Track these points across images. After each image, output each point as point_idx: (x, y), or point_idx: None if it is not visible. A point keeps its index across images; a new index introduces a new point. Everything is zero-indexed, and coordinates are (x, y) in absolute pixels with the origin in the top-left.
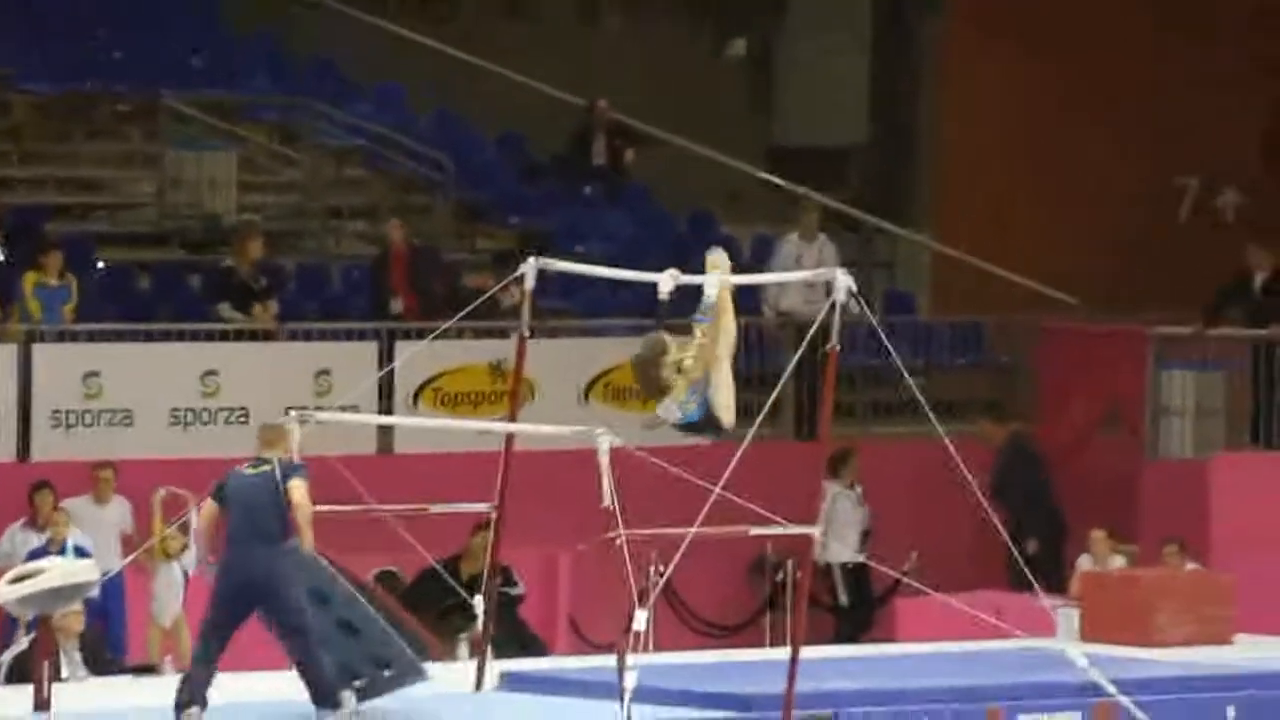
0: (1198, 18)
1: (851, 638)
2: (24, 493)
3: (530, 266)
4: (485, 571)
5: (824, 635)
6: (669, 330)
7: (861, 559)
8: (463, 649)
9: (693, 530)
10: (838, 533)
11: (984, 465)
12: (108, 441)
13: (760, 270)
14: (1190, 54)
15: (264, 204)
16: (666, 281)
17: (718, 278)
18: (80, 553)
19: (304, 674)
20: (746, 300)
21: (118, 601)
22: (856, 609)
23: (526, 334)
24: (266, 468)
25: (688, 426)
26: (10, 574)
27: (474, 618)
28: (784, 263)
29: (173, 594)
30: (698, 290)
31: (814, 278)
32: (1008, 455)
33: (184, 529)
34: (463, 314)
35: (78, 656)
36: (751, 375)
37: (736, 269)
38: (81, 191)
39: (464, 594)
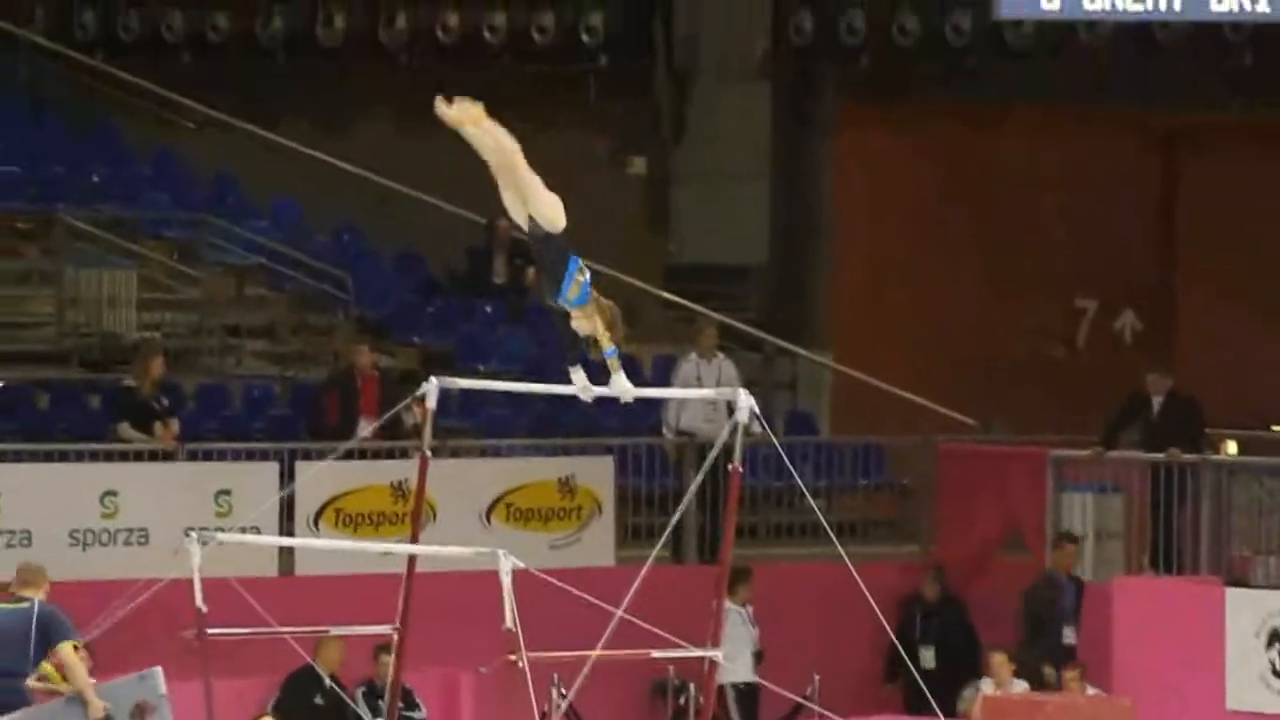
0: (1097, 140)
1: None
2: None
3: (432, 386)
4: (388, 693)
5: None
6: None
7: (754, 679)
8: None
9: (595, 653)
10: (730, 652)
11: (886, 587)
12: (6, 563)
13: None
14: (1088, 179)
15: (163, 322)
16: (586, 391)
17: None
18: None
19: None
20: (647, 419)
21: None
22: None
23: (428, 454)
24: (24, 605)
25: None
26: None
27: None
28: (684, 381)
29: None
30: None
31: (717, 396)
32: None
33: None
34: (364, 434)
35: None
36: (653, 496)
37: (638, 385)
38: None
39: (343, 694)
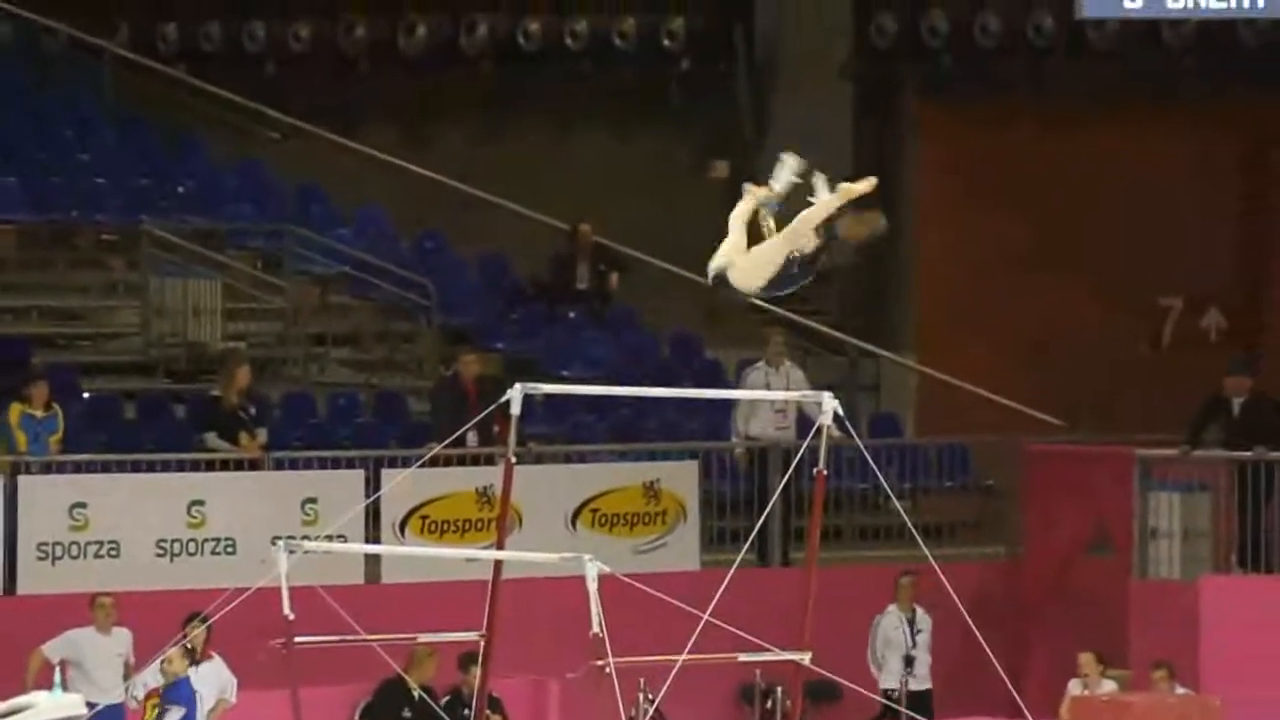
0: (1180, 138)
1: None
2: (12, 627)
3: (516, 392)
4: (476, 701)
5: None
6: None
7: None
8: None
9: (681, 658)
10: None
11: (969, 588)
12: (95, 573)
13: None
14: (1171, 177)
15: (248, 332)
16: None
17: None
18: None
19: None
20: (720, 426)
21: None
22: None
23: (513, 460)
24: None
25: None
26: None
27: None
28: (752, 389)
29: None
30: None
31: (803, 399)
32: None
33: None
34: (449, 440)
35: None
36: (738, 500)
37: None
38: (65, 321)
39: (434, 704)
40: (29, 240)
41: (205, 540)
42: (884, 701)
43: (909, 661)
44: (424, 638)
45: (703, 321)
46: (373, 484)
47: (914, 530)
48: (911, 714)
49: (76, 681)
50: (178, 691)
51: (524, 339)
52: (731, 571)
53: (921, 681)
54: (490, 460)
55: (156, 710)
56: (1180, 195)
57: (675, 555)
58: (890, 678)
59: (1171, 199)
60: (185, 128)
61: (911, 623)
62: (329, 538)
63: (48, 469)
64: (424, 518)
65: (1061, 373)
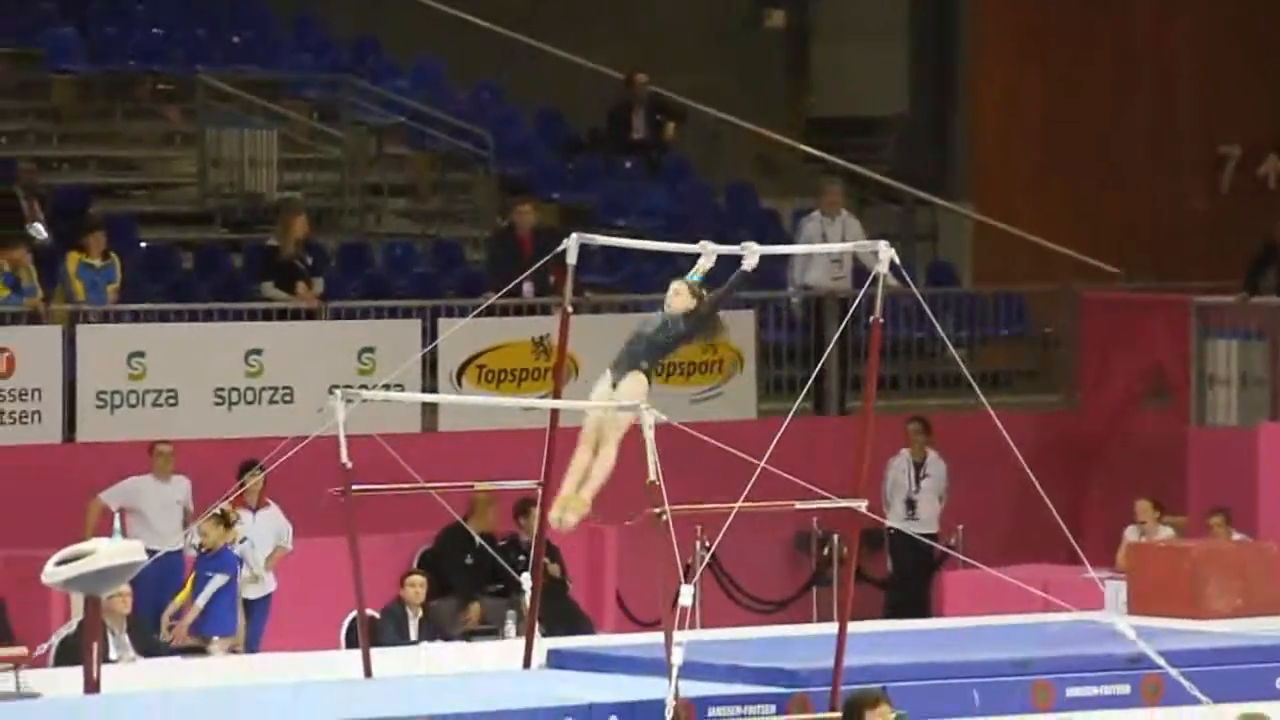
0: None
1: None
2: (72, 474)
3: (572, 242)
4: (534, 548)
5: (873, 610)
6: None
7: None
8: (510, 626)
9: (738, 505)
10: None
11: (1027, 436)
12: (153, 422)
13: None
14: (1231, 26)
15: (305, 182)
16: (709, 257)
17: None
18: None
19: None
20: (777, 276)
21: (179, 581)
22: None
23: (569, 309)
24: None
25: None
26: (58, 555)
27: (522, 593)
28: (808, 239)
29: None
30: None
31: (859, 249)
32: None
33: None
34: (504, 290)
35: (126, 638)
36: (794, 350)
37: (776, 242)
38: (123, 171)
39: (493, 551)
40: (86, 91)
41: (263, 389)
42: (943, 549)
43: (910, 504)
44: (481, 486)
45: (758, 171)
46: (429, 333)
47: (970, 379)
48: (917, 534)
49: (136, 528)
50: (219, 560)
51: (580, 189)
52: (788, 420)
53: (926, 525)
54: (546, 310)
55: (194, 580)
56: (1239, 42)
57: (732, 404)
58: (894, 519)
59: (1229, 46)
60: None
61: (919, 467)
62: (386, 387)
63: (106, 318)
64: (481, 367)
65: (1119, 220)
